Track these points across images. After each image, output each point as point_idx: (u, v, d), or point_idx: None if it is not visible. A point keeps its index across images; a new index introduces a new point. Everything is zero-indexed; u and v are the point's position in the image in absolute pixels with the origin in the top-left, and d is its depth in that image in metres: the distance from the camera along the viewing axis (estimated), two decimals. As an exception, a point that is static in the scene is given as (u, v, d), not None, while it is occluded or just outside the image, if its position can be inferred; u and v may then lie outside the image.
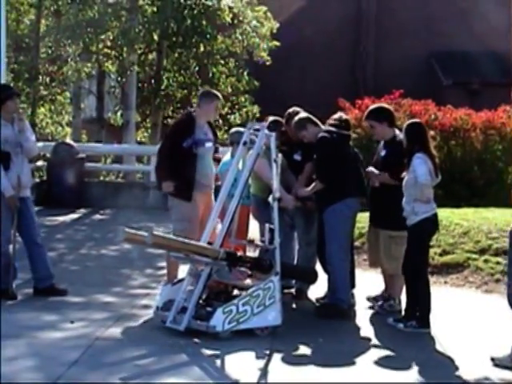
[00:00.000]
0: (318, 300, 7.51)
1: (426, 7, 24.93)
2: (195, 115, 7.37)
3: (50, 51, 19.36)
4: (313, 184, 7.14)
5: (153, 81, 20.12)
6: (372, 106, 7.72)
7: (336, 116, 7.60)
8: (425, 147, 6.58)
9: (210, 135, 7.38)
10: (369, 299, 7.41)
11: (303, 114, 7.46)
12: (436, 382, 5.42)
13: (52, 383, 4.91)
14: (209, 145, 7.34)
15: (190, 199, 7.18)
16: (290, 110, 7.88)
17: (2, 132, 7.09)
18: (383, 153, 7.21)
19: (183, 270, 6.86)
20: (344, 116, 7.73)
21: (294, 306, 7.45)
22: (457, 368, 5.62)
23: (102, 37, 18.27)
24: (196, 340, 5.92)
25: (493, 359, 5.68)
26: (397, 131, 7.23)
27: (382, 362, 5.70)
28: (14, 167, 7.15)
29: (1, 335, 5.70)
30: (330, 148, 7.06)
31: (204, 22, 18.70)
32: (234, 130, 7.72)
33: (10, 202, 7.11)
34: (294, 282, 7.67)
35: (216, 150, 7.58)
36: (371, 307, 7.30)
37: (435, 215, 6.58)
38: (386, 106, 8.06)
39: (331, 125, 7.39)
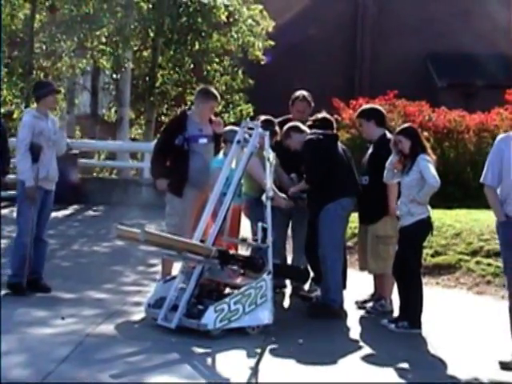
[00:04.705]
0: (302, 295, 7.55)
1: (423, 7, 24.90)
2: (190, 112, 7.41)
3: (44, 46, 19.26)
4: (300, 184, 7.16)
5: (147, 78, 20.08)
6: (364, 106, 7.78)
7: (314, 117, 7.63)
8: (426, 149, 6.59)
9: (206, 131, 7.37)
10: (357, 303, 7.42)
11: (290, 124, 7.42)
12: (426, 382, 5.43)
13: (42, 379, 4.89)
14: (203, 141, 7.33)
15: (181, 195, 7.22)
16: (297, 93, 7.98)
17: (38, 124, 7.23)
18: (370, 150, 7.28)
19: (177, 268, 6.85)
20: (321, 115, 7.68)
21: (285, 305, 7.45)
22: (447, 368, 5.63)
23: (97, 33, 18.20)
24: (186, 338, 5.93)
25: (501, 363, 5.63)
26: (388, 133, 7.25)
27: (373, 362, 5.71)
28: (44, 159, 7.23)
29: (1, 332, 5.68)
30: (316, 150, 7.06)
31: (199, 20, 18.73)
32: (227, 128, 7.71)
33: (29, 193, 7.17)
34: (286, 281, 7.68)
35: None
36: (362, 308, 7.31)
37: (430, 217, 6.58)
38: (378, 107, 8.03)
39: (309, 126, 7.41)
